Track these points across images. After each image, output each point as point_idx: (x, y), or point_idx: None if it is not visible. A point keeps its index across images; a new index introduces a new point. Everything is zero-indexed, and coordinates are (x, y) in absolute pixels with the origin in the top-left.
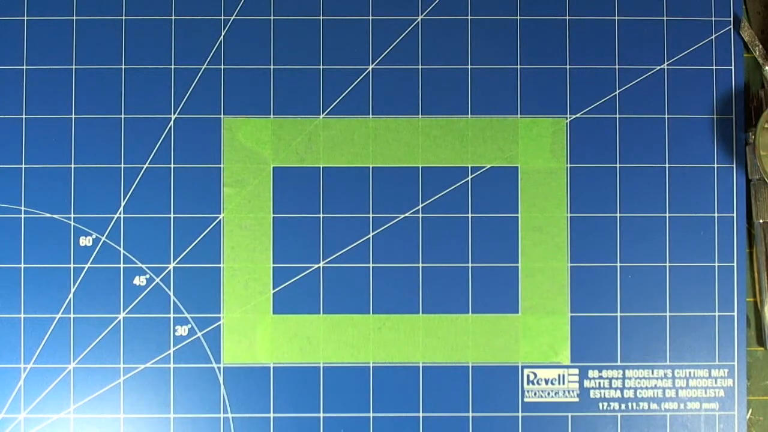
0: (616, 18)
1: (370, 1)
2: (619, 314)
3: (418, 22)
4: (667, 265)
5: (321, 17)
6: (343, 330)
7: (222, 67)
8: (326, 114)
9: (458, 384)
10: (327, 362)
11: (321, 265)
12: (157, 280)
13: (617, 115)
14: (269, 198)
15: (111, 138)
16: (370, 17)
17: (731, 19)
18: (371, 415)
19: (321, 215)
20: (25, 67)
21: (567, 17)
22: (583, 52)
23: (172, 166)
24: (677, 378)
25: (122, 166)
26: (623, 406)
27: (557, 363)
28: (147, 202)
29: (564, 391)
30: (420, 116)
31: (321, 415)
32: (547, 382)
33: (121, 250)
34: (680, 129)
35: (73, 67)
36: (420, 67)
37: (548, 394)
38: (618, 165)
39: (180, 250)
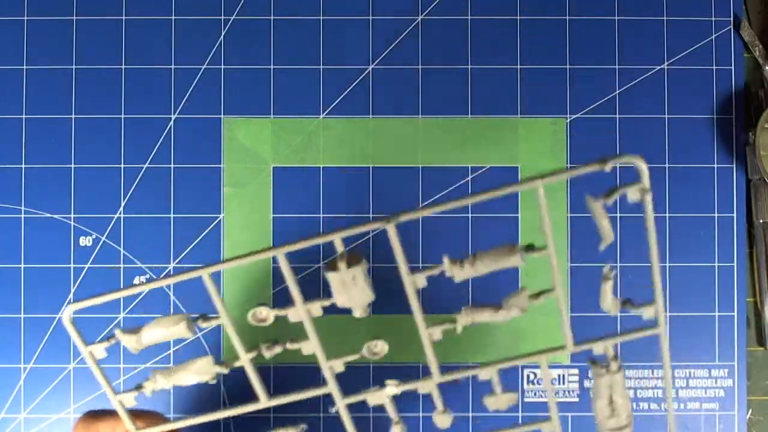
0: (616, 18)
1: (370, 1)
2: (619, 314)
3: (418, 22)
4: (667, 265)
5: (321, 17)
6: (342, 330)
7: (222, 67)
8: (326, 114)
9: (458, 383)
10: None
11: (321, 265)
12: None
13: (617, 115)
14: (269, 198)
15: (111, 138)
16: (370, 17)
17: (731, 19)
18: (371, 414)
19: (321, 215)
20: (25, 67)
21: (567, 17)
22: (583, 52)
23: (172, 166)
24: (677, 378)
25: (122, 166)
26: None
27: (557, 363)
28: (147, 202)
29: (564, 391)
30: (420, 116)
31: (322, 415)
32: None
33: (121, 250)
34: (680, 129)
35: (73, 67)
36: (420, 67)
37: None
38: (618, 165)
39: (180, 250)
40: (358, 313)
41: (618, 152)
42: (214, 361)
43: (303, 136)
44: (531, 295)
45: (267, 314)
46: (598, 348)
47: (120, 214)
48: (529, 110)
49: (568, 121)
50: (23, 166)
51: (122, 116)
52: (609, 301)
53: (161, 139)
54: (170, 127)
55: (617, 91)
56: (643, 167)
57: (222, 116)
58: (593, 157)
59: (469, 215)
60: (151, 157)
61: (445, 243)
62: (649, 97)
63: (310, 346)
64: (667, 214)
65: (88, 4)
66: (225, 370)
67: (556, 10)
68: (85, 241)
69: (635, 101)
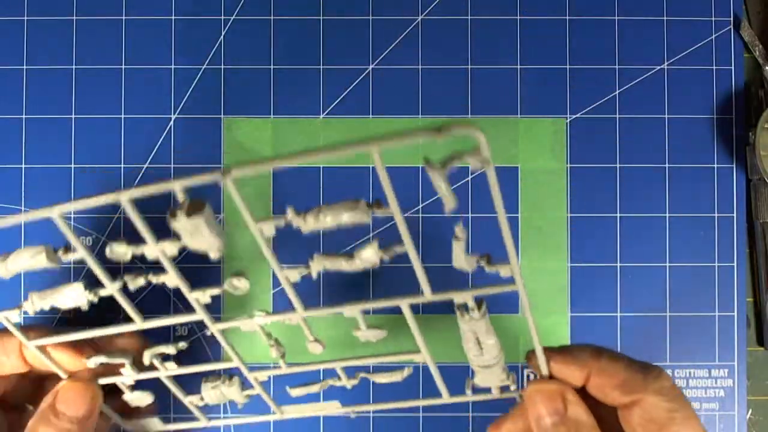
0: (616, 18)
1: (370, 1)
2: (619, 314)
3: (418, 22)
4: (667, 265)
5: (321, 17)
6: (343, 329)
7: (222, 67)
8: (326, 114)
9: (458, 383)
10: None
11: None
12: (157, 280)
13: (617, 115)
14: (269, 198)
15: (111, 138)
16: (370, 17)
17: (731, 19)
18: (371, 417)
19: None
20: (25, 67)
21: (567, 17)
22: (583, 52)
23: (172, 166)
24: (677, 378)
25: (122, 166)
26: None
27: None
28: (147, 202)
29: None
30: (420, 116)
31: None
32: None
33: None
34: (680, 129)
35: (73, 67)
36: (420, 67)
37: None
38: (618, 165)
39: (181, 250)
40: (212, 256)
41: (618, 153)
42: (84, 288)
43: (303, 136)
44: (383, 248)
45: (125, 250)
46: (458, 298)
47: (120, 214)
48: (529, 110)
49: (568, 121)
50: (23, 166)
51: (122, 116)
52: (462, 260)
53: (161, 139)
54: (170, 127)
55: (617, 91)
56: (482, 139)
57: (222, 116)
58: (593, 157)
59: (470, 215)
60: (151, 157)
61: (446, 243)
62: (649, 97)
63: (172, 280)
64: (667, 214)
65: (88, 4)
66: (94, 298)
67: (556, 10)
68: (85, 242)
69: (635, 101)
